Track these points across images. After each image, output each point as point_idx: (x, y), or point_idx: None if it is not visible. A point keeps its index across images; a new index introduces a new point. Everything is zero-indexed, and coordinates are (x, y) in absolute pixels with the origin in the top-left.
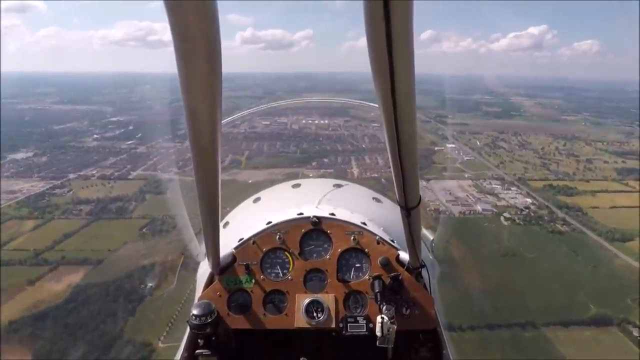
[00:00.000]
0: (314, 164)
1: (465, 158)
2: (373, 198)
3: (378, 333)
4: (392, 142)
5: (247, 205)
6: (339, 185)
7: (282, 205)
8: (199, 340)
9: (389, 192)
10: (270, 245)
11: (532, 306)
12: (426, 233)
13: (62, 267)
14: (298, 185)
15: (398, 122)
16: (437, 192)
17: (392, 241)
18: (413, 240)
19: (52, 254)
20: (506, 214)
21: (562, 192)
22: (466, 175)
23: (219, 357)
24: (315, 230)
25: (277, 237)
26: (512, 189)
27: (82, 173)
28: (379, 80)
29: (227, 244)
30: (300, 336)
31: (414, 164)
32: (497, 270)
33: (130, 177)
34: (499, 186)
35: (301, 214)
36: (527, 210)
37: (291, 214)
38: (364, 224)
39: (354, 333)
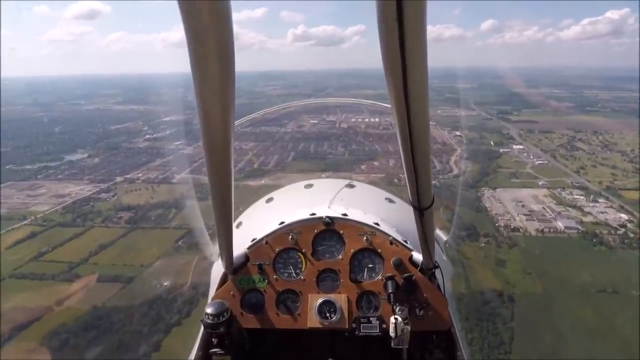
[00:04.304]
0: (363, 167)
1: (537, 162)
2: (386, 198)
3: (392, 334)
4: (405, 142)
5: (259, 205)
6: (351, 186)
7: (294, 205)
8: (212, 340)
9: (400, 190)
10: (283, 246)
11: None
12: (439, 234)
13: (93, 284)
14: (310, 186)
15: (411, 123)
16: (506, 203)
17: (405, 242)
18: (426, 241)
19: (85, 268)
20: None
21: None
22: (540, 183)
23: (233, 356)
24: (327, 231)
25: (290, 237)
26: (599, 200)
27: (128, 176)
28: (392, 81)
29: (240, 244)
30: (313, 336)
31: (427, 165)
32: (594, 311)
33: (173, 180)
34: (582, 197)
35: (314, 214)
36: (624, 230)
37: (304, 214)
38: (377, 224)
39: (367, 333)
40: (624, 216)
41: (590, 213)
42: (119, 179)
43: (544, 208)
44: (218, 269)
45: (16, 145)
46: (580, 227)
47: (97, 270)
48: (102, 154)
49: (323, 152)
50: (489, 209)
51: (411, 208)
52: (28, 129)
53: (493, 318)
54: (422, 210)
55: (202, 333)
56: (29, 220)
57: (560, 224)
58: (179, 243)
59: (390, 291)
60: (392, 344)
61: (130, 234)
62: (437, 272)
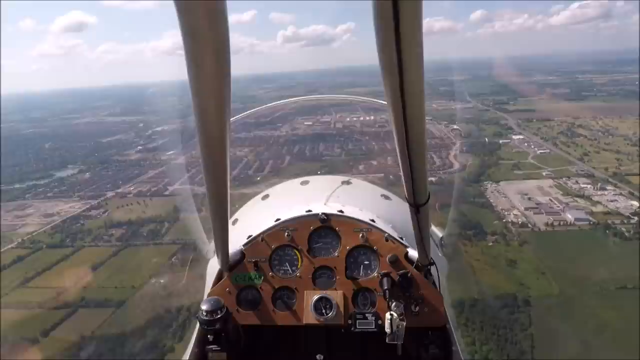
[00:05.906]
0: (360, 167)
1: (539, 151)
2: (382, 195)
3: (387, 330)
4: (401, 140)
5: (255, 202)
6: (347, 182)
7: (290, 202)
8: (208, 336)
9: (398, 190)
10: (279, 242)
11: None
12: (435, 230)
13: (81, 310)
14: (306, 182)
15: (407, 120)
16: (511, 196)
17: (401, 238)
18: (422, 238)
19: (74, 293)
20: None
21: None
22: (544, 173)
23: (229, 353)
24: (323, 228)
25: (286, 234)
26: (607, 188)
27: (119, 190)
28: (388, 79)
29: (236, 241)
30: (309, 332)
31: (423, 162)
32: (617, 312)
33: (166, 193)
34: (589, 185)
35: (310, 211)
36: (637, 218)
37: (300, 211)
38: (373, 221)
39: (363, 329)
40: (635, 203)
41: (599, 202)
42: (110, 194)
43: (550, 200)
44: (214, 266)
45: (6, 164)
46: (591, 218)
47: (86, 294)
48: (93, 169)
49: (319, 154)
50: (494, 205)
51: (407, 205)
52: (18, 147)
53: (510, 325)
54: (417, 207)
55: (198, 330)
56: (16, 243)
57: (569, 216)
58: (173, 260)
59: (386, 287)
60: (387, 340)
61: (122, 252)
62: (433, 269)
